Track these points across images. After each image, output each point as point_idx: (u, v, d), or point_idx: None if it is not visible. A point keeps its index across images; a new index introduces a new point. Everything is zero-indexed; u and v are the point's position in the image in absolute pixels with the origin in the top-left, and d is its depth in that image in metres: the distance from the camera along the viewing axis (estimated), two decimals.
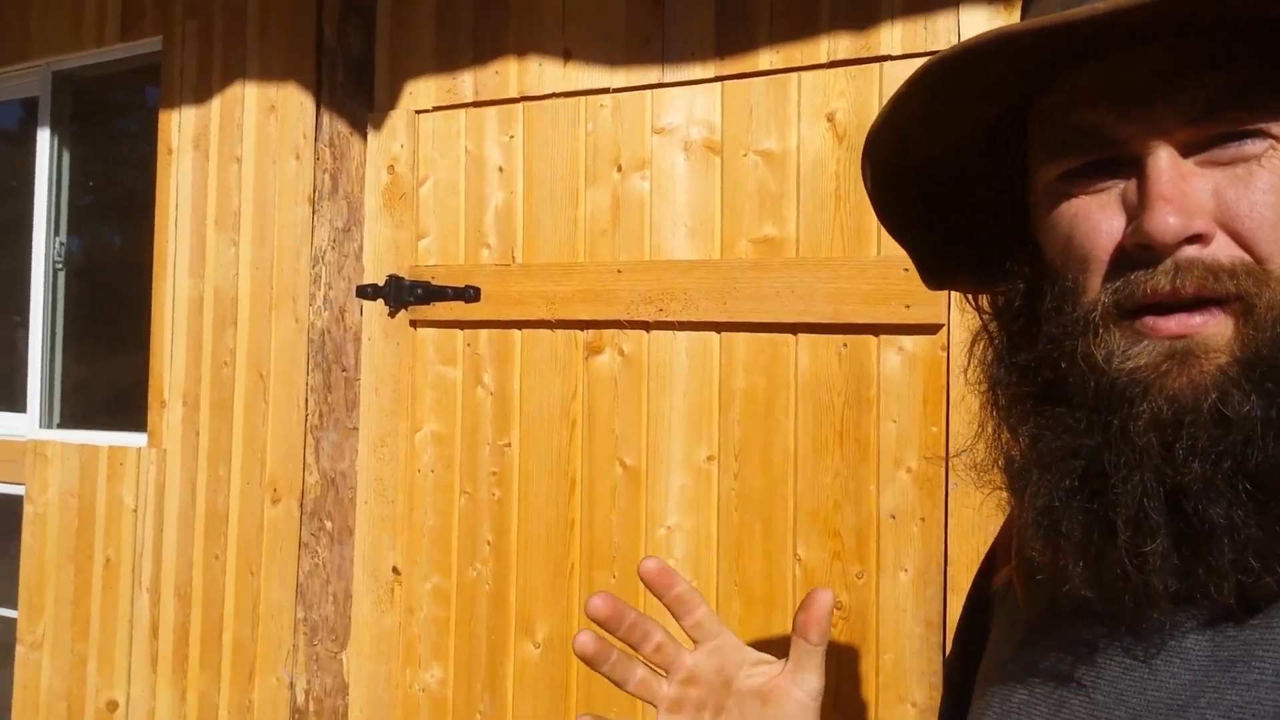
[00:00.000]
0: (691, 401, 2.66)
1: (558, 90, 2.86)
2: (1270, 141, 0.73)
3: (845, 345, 2.49)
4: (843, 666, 2.45)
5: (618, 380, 2.75)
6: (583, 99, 2.82)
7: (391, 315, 3.04)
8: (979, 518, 2.27)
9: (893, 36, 2.46)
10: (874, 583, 2.44)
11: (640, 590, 2.66)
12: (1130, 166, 0.76)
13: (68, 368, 4.05)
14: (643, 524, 2.70)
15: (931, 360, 2.40)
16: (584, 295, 2.76)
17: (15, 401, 4.11)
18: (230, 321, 3.42)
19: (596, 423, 2.78)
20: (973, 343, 0.93)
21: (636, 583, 2.68)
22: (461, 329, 2.97)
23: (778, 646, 2.44)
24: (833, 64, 2.53)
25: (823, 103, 2.54)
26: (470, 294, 2.90)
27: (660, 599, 1.00)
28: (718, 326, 2.62)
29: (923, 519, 2.39)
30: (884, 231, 1.11)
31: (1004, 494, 0.88)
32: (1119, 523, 0.73)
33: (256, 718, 3.31)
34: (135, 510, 3.60)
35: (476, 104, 2.97)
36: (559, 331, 2.82)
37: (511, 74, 2.92)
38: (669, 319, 2.65)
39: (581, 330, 2.79)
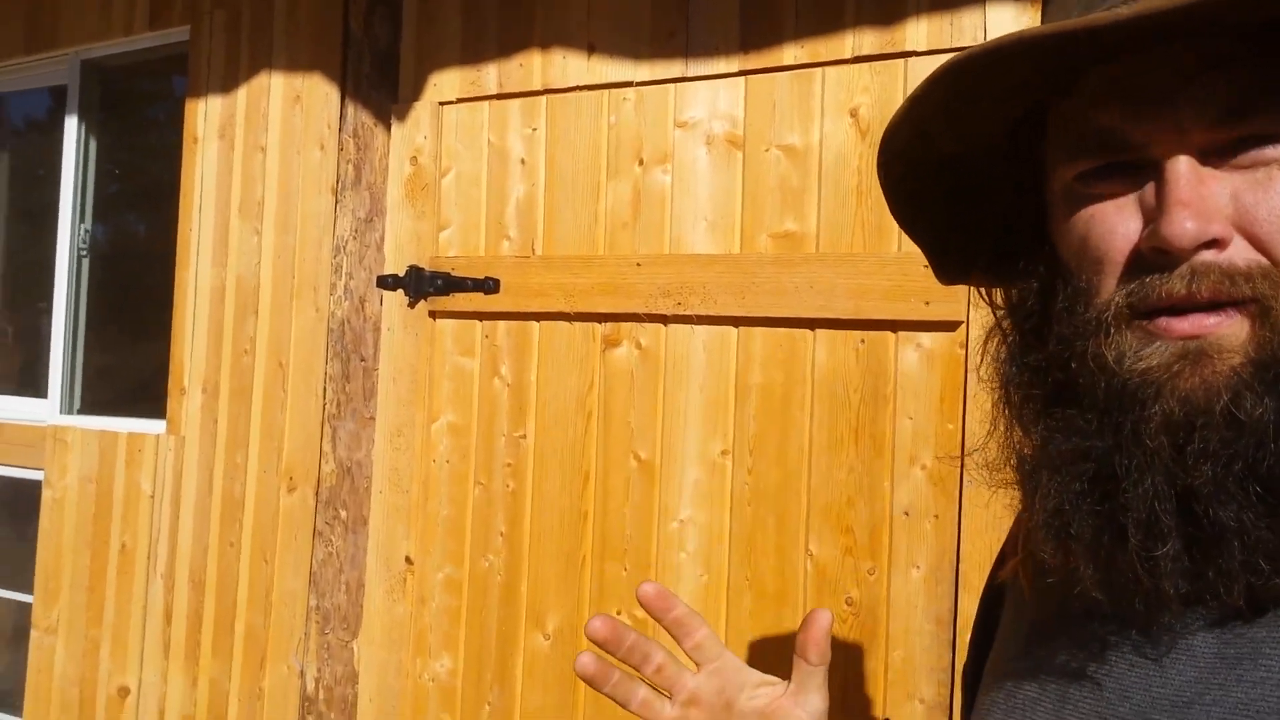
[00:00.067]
0: (707, 395, 2.65)
1: (581, 83, 2.86)
2: None
3: (863, 341, 2.48)
4: (852, 662, 2.44)
5: (634, 373, 2.75)
6: (606, 92, 2.83)
7: (411, 306, 3.04)
8: (992, 516, 2.25)
9: (918, 32, 2.45)
10: (885, 579, 2.43)
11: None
12: (1148, 169, 0.75)
13: (89, 354, 4.07)
14: (656, 517, 2.70)
15: (949, 357, 2.39)
16: (603, 288, 2.76)
17: (37, 387, 4.13)
18: (251, 310, 3.43)
19: (612, 415, 2.77)
20: (986, 339, 0.93)
21: (647, 575, 2.68)
22: (480, 320, 2.97)
23: (788, 643, 2.43)
24: (857, 59, 2.52)
25: (846, 98, 2.53)
26: (490, 285, 2.91)
27: (659, 622, 1.01)
28: (736, 321, 2.62)
29: (936, 516, 2.38)
30: None
31: (1015, 493, 0.88)
32: (1130, 526, 0.73)
33: (267, 705, 3.31)
34: (152, 497, 3.61)
35: (500, 96, 2.98)
36: (577, 324, 2.82)
37: (535, 66, 2.93)
38: (687, 313, 2.65)
39: (599, 323, 2.79)
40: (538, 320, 2.88)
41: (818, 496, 2.51)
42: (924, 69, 2.39)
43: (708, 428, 2.65)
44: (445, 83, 3.07)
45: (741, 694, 1.01)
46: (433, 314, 3.03)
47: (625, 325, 2.76)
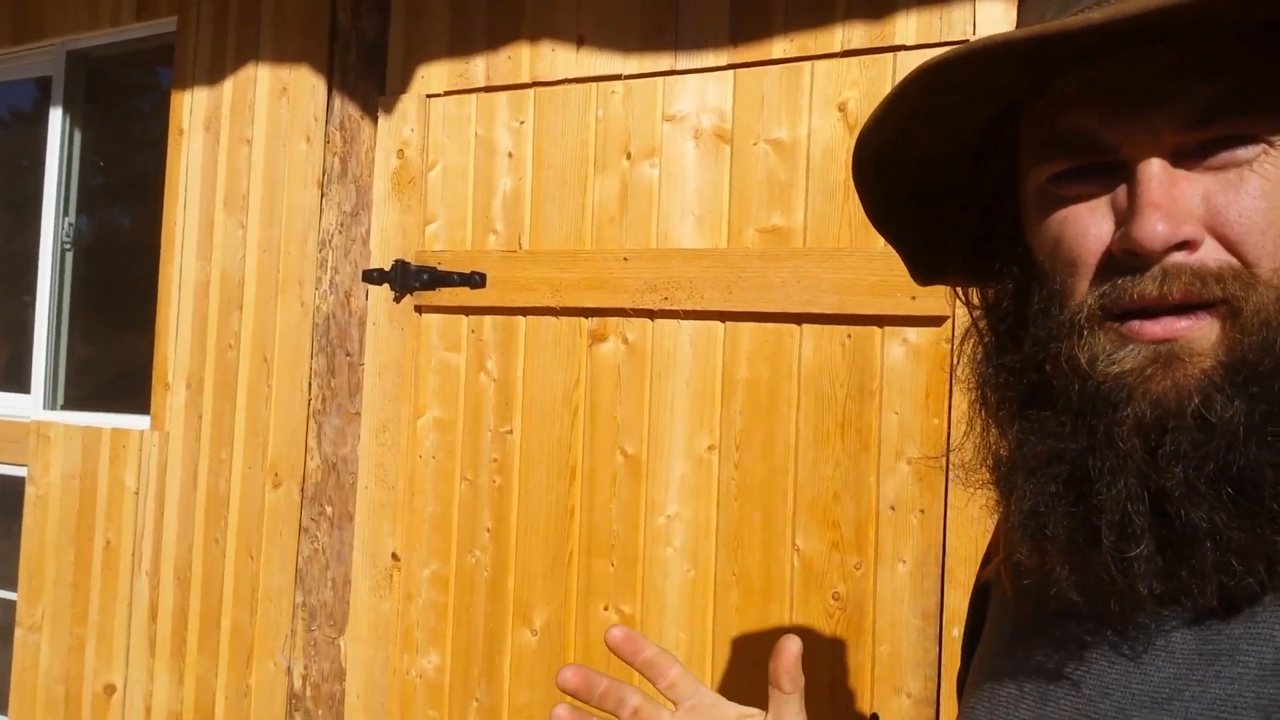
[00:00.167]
0: (694, 390, 2.65)
1: (570, 76, 2.85)
2: (1262, 146, 0.72)
3: (849, 336, 2.47)
4: (838, 657, 2.44)
5: (621, 368, 2.74)
6: (594, 85, 2.82)
7: (397, 300, 3.03)
8: (978, 511, 2.25)
9: (907, 26, 2.45)
10: (872, 574, 2.43)
11: (635, 580, 2.66)
12: (1121, 171, 0.76)
13: (73, 349, 4.05)
14: (642, 513, 2.69)
15: (935, 352, 2.39)
16: (590, 283, 2.75)
17: (20, 382, 4.11)
18: (236, 304, 3.42)
19: (598, 411, 2.76)
20: (962, 340, 0.94)
21: (634, 570, 2.67)
22: (466, 315, 2.96)
23: (775, 637, 2.43)
24: (846, 53, 2.52)
25: (835, 92, 2.52)
26: (476, 280, 2.89)
27: (630, 665, 1.01)
28: (722, 316, 2.61)
29: (922, 511, 2.38)
30: None
31: (992, 493, 0.89)
32: (1103, 527, 0.74)
33: (254, 702, 3.30)
34: (136, 493, 3.60)
35: (488, 89, 2.97)
36: (563, 319, 2.81)
37: (524, 59, 2.92)
38: (674, 308, 2.64)
39: (586, 318, 2.78)
40: (524, 315, 2.87)
41: (804, 491, 2.51)
42: (913, 63, 2.37)
43: (694, 423, 2.64)
44: (433, 75, 3.05)
45: None
46: (419, 309, 3.01)
47: (612, 320, 2.75)
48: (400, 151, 3.06)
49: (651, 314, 2.69)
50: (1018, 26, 0.85)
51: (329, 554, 3.15)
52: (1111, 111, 0.75)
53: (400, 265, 3.00)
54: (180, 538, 3.49)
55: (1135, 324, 0.74)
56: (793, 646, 0.97)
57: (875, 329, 2.45)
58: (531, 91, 2.90)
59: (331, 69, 3.25)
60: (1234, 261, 0.72)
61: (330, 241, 3.19)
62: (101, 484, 3.68)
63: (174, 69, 3.63)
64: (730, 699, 1.03)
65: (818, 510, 2.49)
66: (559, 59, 2.87)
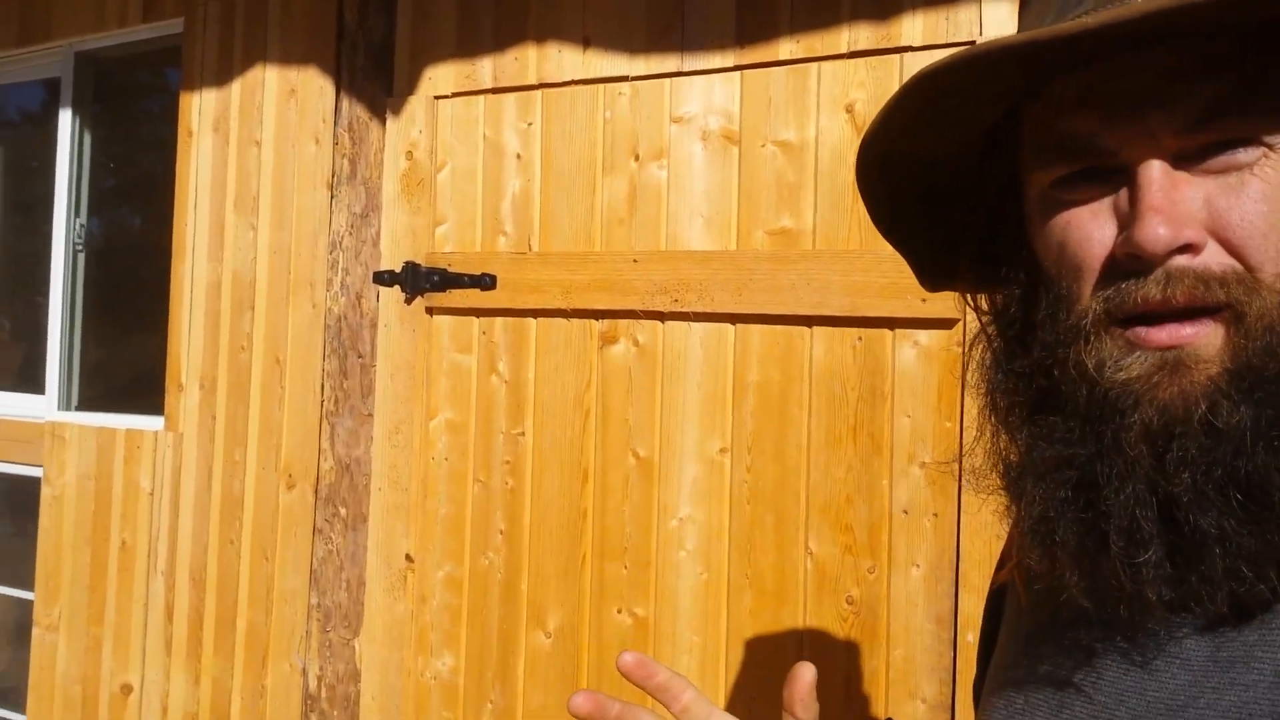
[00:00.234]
0: (705, 393, 2.64)
1: (577, 77, 2.84)
2: (1263, 149, 0.72)
3: (860, 339, 2.47)
4: (852, 662, 2.44)
5: (632, 371, 2.74)
6: (601, 87, 2.81)
7: (408, 302, 3.03)
8: (992, 515, 2.24)
9: (914, 27, 2.44)
10: (885, 578, 2.42)
11: (648, 583, 2.66)
12: (1121, 174, 0.76)
13: (86, 350, 4.06)
14: (655, 515, 2.69)
15: (947, 355, 2.38)
16: (599, 284, 2.75)
17: (35, 383, 4.12)
18: (248, 306, 3.42)
19: (610, 413, 2.76)
20: (971, 345, 0.94)
21: (647, 573, 2.68)
22: (477, 316, 2.96)
23: (789, 641, 2.43)
24: (853, 54, 2.51)
25: (842, 93, 2.51)
26: (486, 281, 2.89)
27: (643, 689, 1.00)
28: (732, 318, 2.61)
29: (935, 514, 2.38)
30: None
31: (1003, 499, 0.89)
32: (1112, 533, 0.74)
33: (269, 703, 3.31)
34: (151, 494, 3.61)
35: (495, 90, 2.96)
36: (574, 321, 2.81)
37: (531, 60, 2.91)
38: (684, 310, 2.64)
39: (596, 320, 2.78)
40: (535, 317, 2.87)
41: (816, 494, 2.50)
42: (920, 64, 2.36)
43: (706, 425, 2.64)
44: (440, 76, 3.05)
45: None
46: (429, 310, 3.01)
47: (622, 322, 2.75)
48: (409, 153, 3.06)
49: (662, 316, 2.69)
50: (1019, 30, 0.85)
51: (343, 555, 3.16)
52: (1110, 115, 0.75)
53: (411, 267, 3.00)
54: (195, 538, 3.50)
55: (1141, 331, 0.74)
56: (807, 674, 0.97)
57: (886, 331, 2.44)
58: (539, 93, 2.89)
59: (339, 70, 3.24)
60: (1237, 265, 0.72)
61: (341, 243, 3.19)
62: (116, 485, 3.69)
63: (182, 70, 3.62)
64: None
65: (830, 513, 2.49)
66: (565, 60, 2.86)
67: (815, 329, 2.51)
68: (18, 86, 4.32)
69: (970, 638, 2.28)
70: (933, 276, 1.04)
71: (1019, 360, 0.85)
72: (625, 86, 2.77)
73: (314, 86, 3.31)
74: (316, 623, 3.19)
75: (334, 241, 3.21)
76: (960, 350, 2.34)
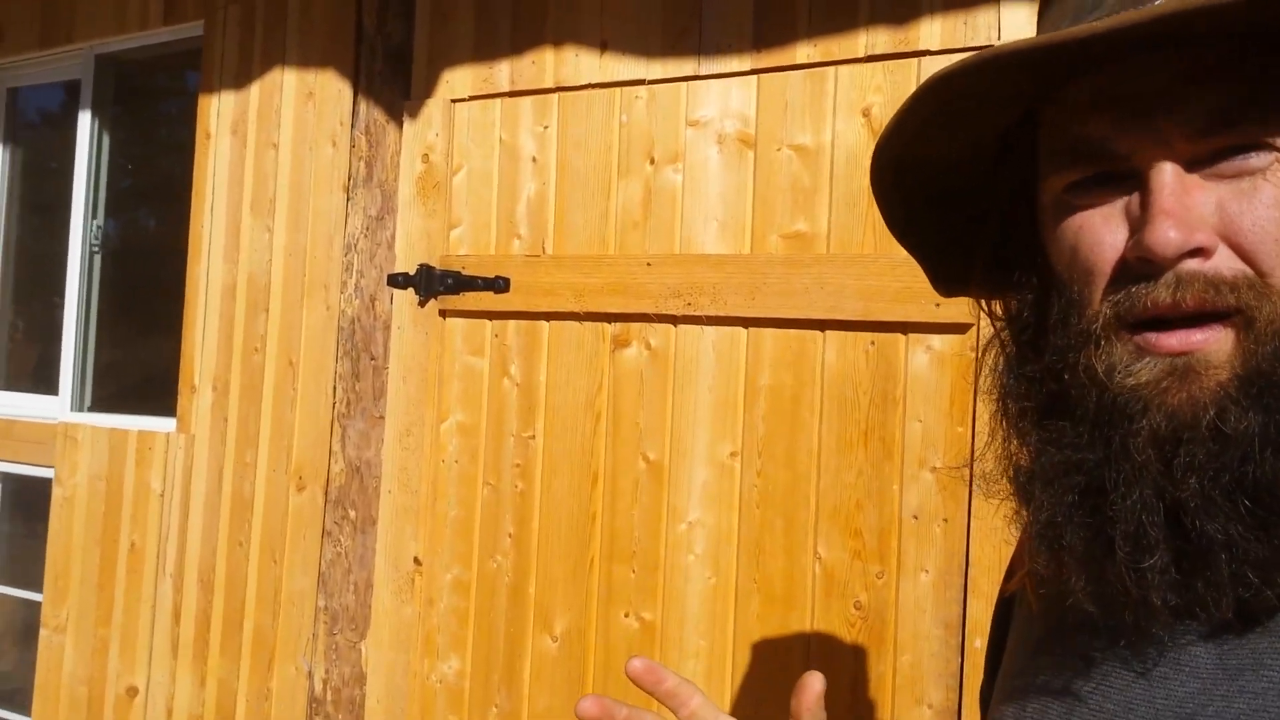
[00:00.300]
0: (716, 397, 2.64)
1: (593, 81, 2.85)
2: (1275, 155, 0.72)
3: (873, 343, 2.46)
4: (860, 667, 2.42)
5: (643, 374, 2.73)
6: (618, 90, 2.81)
7: (421, 304, 3.03)
8: (1002, 521, 2.23)
9: (932, 31, 2.44)
10: (894, 583, 2.41)
11: (656, 587, 2.65)
12: (1133, 179, 0.76)
13: (100, 351, 4.07)
14: (664, 519, 2.68)
15: (960, 360, 2.37)
16: (613, 288, 2.74)
17: (48, 383, 4.13)
18: (262, 308, 3.43)
19: (621, 416, 2.76)
20: (985, 350, 0.94)
21: (655, 577, 2.66)
22: (490, 319, 2.96)
23: (796, 645, 2.42)
24: (870, 58, 2.50)
25: (859, 97, 2.51)
26: (500, 284, 2.89)
27: (652, 695, 1.01)
28: (745, 322, 2.60)
29: (945, 520, 2.36)
30: None
31: (1013, 504, 0.89)
32: (1118, 538, 0.74)
33: (275, 706, 3.30)
34: (162, 495, 3.61)
35: (512, 94, 2.97)
36: (587, 324, 2.81)
37: (548, 64, 2.91)
38: (697, 313, 2.63)
39: (609, 323, 2.78)
40: (547, 320, 2.87)
41: (826, 499, 2.49)
42: (937, 68, 2.37)
43: (717, 429, 2.63)
44: (457, 80, 3.05)
45: None
46: (443, 313, 3.01)
47: (635, 325, 2.74)
48: (425, 156, 3.06)
49: (674, 319, 2.68)
50: (1037, 34, 0.85)
51: (351, 558, 3.15)
52: (1123, 120, 0.75)
53: (425, 269, 3.00)
54: (204, 540, 3.50)
55: (1151, 336, 0.74)
56: (816, 684, 0.97)
57: (899, 336, 2.43)
58: (555, 96, 2.90)
59: (357, 74, 3.25)
60: (1248, 271, 0.72)
61: (356, 245, 3.20)
62: (127, 486, 3.70)
63: (201, 73, 3.64)
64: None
65: (840, 518, 2.48)
66: (583, 64, 2.86)
67: (828, 333, 2.51)
68: (39, 88, 4.35)
69: (978, 643, 2.27)
70: (946, 281, 1.04)
71: (1031, 365, 0.85)
72: (642, 90, 2.78)
73: (332, 90, 3.32)
74: (323, 625, 3.19)
75: (349, 244, 3.21)
76: (973, 355, 2.33)
